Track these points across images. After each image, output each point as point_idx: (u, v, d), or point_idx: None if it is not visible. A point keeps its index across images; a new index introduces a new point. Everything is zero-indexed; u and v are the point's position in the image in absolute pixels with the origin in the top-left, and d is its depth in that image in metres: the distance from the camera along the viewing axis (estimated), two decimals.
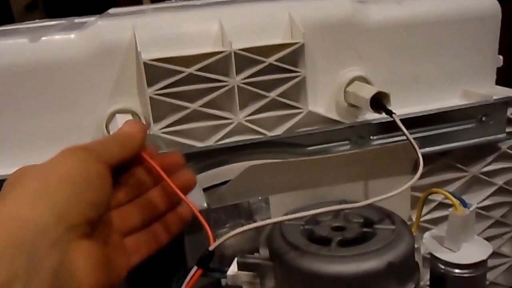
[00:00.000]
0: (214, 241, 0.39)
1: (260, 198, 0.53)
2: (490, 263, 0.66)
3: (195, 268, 0.39)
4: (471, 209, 0.41)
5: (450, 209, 0.41)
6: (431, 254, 0.42)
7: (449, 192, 0.41)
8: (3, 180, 0.45)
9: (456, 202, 0.40)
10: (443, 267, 0.41)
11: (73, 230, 0.28)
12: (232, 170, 0.51)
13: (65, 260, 0.27)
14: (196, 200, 0.48)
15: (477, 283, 0.41)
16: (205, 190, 0.51)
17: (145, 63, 0.46)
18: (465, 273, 0.40)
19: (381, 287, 0.38)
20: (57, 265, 0.27)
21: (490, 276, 0.67)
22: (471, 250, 0.41)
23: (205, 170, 0.52)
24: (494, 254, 0.65)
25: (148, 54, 0.48)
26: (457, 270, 0.40)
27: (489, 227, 0.63)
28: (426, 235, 0.44)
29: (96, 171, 0.32)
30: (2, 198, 0.29)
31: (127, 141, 0.35)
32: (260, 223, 0.40)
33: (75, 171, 0.30)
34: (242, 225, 0.54)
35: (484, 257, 0.40)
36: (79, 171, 0.31)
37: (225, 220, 0.53)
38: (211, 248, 0.39)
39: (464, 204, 0.41)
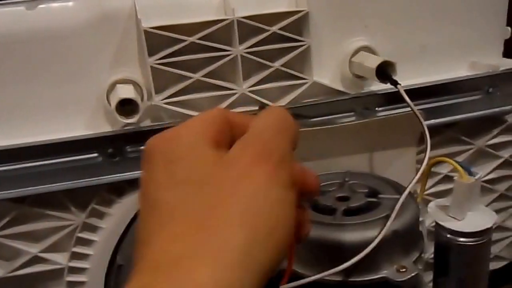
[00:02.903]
0: None
1: None
2: (494, 236, 0.65)
3: None
4: (476, 177, 0.40)
5: (456, 177, 0.40)
6: (436, 223, 0.41)
7: (455, 161, 0.40)
8: (2, 151, 0.45)
9: (462, 170, 0.40)
10: (447, 235, 0.41)
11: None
12: None
13: None
14: None
15: (481, 252, 0.41)
16: None
17: (145, 31, 0.46)
18: (469, 241, 0.40)
19: (385, 255, 0.38)
20: None
21: (494, 249, 0.66)
22: (476, 219, 0.41)
23: None
24: (498, 228, 0.65)
25: (149, 22, 0.47)
26: (461, 239, 0.40)
27: (493, 200, 0.63)
28: (431, 204, 0.44)
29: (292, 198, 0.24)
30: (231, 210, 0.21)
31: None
32: None
33: (278, 202, 0.23)
34: None
35: (489, 225, 0.40)
36: (284, 201, 0.23)
37: None
38: None
39: (470, 172, 0.40)
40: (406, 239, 0.39)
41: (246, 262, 0.20)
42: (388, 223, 0.37)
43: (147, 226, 0.22)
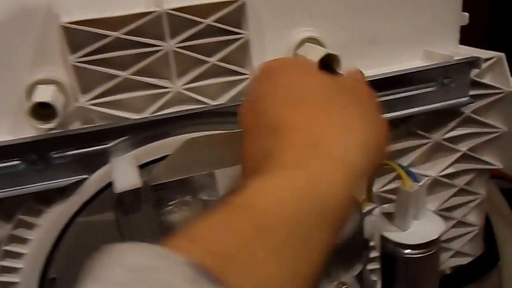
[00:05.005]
0: None
1: (206, 173, 0.50)
2: (455, 232, 0.63)
3: None
4: (420, 183, 0.37)
5: (399, 185, 0.37)
6: (380, 234, 0.38)
7: (398, 166, 0.37)
8: None
9: (405, 176, 0.37)
10: (392, 247, 0.37)
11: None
12: (172, 143, 0.47)
13: None
14: (130, 178, 0.44)
15: (429, 264, 0.38)
16: (143, 166, 0.47)
17: (63, 27, 0.41)
18: (415, 253, 0.37)
19: (323, 272, 0.35)
20: None
21: (456, 245, 0.64)
22: (422, 228, 0.38)
23: (143, 144, 0.47)
24: (459, 223, 0.63)
25: (69, 17, 0.42)
26: (407, 251, 0.37)
27: (453, 195, 0.60)
28: (376, 211, 0.41)
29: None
30: (322, 115, 0.27)
31: None
32: None
33: (376, 111, 0.30)
34: (188, 203, 0.51)
35: (435, 236, 0.37)
36: (378, 108, 0.31)
37: (170, 198, 0.50)
38: None
39: (415, 178, 0.37)
40: (346, 253, 0.36)
41: (364, 150, 0.26)
42: None
43: (289, 119, 0.28)
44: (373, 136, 0.27)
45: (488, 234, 0.66)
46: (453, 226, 0.62)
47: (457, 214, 0.62)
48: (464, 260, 0.66)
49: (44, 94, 0.42)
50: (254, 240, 0.20)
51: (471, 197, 0.61)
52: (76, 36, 0.42)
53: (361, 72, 0.35)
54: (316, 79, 0.30)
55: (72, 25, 0.42)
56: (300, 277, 0.21)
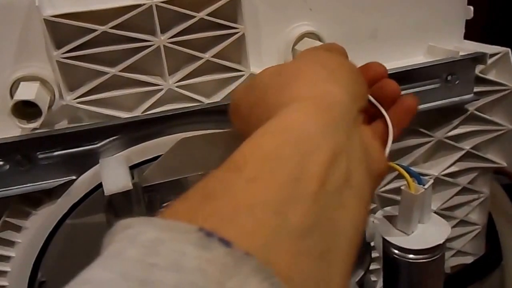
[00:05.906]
0: None
1: (200, 173, 0.48)
2: (458, 231, 0.62)
3: None
4: (426, 186, 0.35)
5: (403, 187, 0.35)
6: (383, 238, 0.36)
7: (402, 167, 0.35)
8: None
9: (409, 178, 0.35)
10: (395, 252, 0.36)
11: (358, 114, 0.29)
12: (164, 143, 0.45)
13: (362, 138, 0.28)
14: (120, 180, 0.42)
15: (433, 269, 0.36)
16: (135, 166, 0.45)
17: (45, 20, 0.39)
18: (419, 258, 0.35)
19: None
20: (360, 140, 0.27)
21: (458, 244, 0.63)
22: (427, 233, 0.36)
23: (133, 144, 0.46)
24: (462, 222, 0.61)
25: (53, 9, 0.40)
26: (410, 255, 0.35)
27: (456, 194, 0.58)
28: (378, 214, 0.39)
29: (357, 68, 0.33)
30: (296, 78, 0.28)
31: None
32: None
33: (347, 64, 0.31)
34: None
35: (441, 241, 0.35)
36: (349, 64, 0.31)
37: (162, 199, 0.48)
38: None
39: (419, 180, 0.35)
40: None
41: (336, 84, 0.27)
42: None
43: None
44: (335, 68, 0.29)
45: (491, 233, 0.64)
46: (455, 225, 0.61)
47: (460, 213, 0.60)
48: (466, 260, 0.64)
49: (27, 91, 0.40)
50: (230, 175, 0.22)
51: (474, 196, 0.59)
52: (61, 30, 0.40)
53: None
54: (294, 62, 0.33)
55: (56, 18, 0.39)
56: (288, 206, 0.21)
